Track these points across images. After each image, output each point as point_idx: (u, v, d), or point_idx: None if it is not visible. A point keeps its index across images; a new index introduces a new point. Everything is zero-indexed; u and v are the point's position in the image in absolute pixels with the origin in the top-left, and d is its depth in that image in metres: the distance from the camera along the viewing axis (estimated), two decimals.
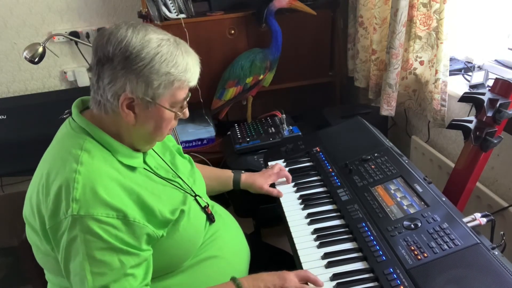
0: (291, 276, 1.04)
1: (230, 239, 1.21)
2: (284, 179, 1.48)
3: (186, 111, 1.04)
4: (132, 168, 1.01)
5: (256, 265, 1.24)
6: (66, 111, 1.05)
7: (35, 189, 0.97)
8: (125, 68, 0.92)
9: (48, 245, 0.95)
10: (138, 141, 1.03)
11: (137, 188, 0.97)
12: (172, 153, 1.22)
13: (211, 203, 1.26)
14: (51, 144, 1.03)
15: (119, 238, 0.91)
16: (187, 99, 1.02)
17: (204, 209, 1.16)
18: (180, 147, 1.30)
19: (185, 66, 0.96)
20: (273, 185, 1.47)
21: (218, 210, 1.25)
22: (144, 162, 1.07)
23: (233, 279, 1.06)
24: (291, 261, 1.17)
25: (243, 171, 1.50)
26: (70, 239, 0.89)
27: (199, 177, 1.27)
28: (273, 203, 1.44)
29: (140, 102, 0.95)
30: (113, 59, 0.91)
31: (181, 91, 0.98)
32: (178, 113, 1.02)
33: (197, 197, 1.15)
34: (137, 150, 1.05)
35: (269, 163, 1.63)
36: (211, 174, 1.45)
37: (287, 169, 1.55)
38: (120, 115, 0.96)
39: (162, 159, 1.16)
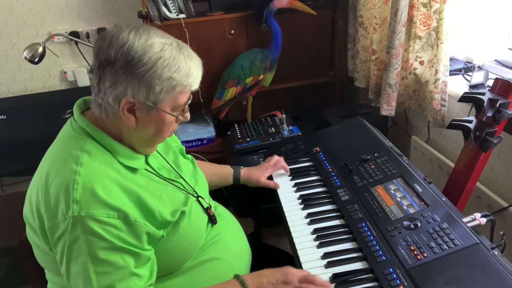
0: (294, 270, 1.05)
1: (231, 241, 1.20)
2: (283, 170, 1.52)
3: (188, 114, 1.04)
4: (133, 170, 1.01)
5: (257, 266, 1.23)
6: (68, 111, 1.04)
7: (35, 188, 0.97)
8: (126, 73, 0.91)
9: (47, 245, 0.95)
10: (139, 143, 1.03)
11: (137, 189, 0.97)
12: (175, 153, 1.22)
13: (214, 204, 1.26)
14: (52, 144, 1.03)
15: (121, 238, 0.91)
16: (189, 102, 1.02)
17: (206, 210, 1.15)
18: (183, 148, 1.30)
19: (187, 70, 0.96)
20: (270, 178, 1.50)
21: (221, 211, 1.25)
22: (146, 162, 1.07)
23: (237, 277, 1.06)
24: (291, 262, 1.17)
25: (241, 167, 1.52)
26: (72, 240, 0.89)
27: (202, 178, 1.27)
28: (273, 203, 1.44)
29: (142, 106, 0.94)
30: (115, 63, 0.91)
31: (182, 95, 0.98)
32: (180, 117, 1.02)
33: (200, 198, 1.15)
34: (138, 152, 1.04)
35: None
36: (211, 171, 1.45)
37: None
38: (121, 118, 0.95)
39: (165, 160, 1.15)
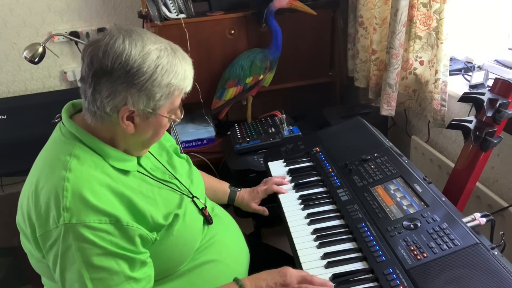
0: (292, 271, 1.04)
1: (229, 242, 1.20)
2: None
3: (180, 114, 1.05)
4: (125, 172, 1.00)
5: (256, 267, 1.23)
6: (57, 116, 1.03)
7: (25, 195, 0.96)
8: (126, 82, 0.91)
9: (39, 253, 0.94)
10: (135, 147, 1.03)
11: (128, 192, 0.96)
12: (169, 153, 1.21)
13: (211, 204, 1.25)
14: (42, 150, 1.02)
15: (114, 243, 0.90)
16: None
17: (202, 211, 1.15)
18: (178, 147, 1.29)
19: (183, 74, 0.97)
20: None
21: (218, 212, 1.24)
22: (139, 164, 1.06)
23: (236, 280, 1.06)
24: (291, 262, 1.17)
25: (239, 189, 1.49)
26: (65, 248, 0.88)
27: (197, 177, 1.26)
28: (273, 203, 1.44)
29: (141, 113, 0.95)
30: (112, 73, 0.90)
31: (178, 97, 1.00)
32: (176, 118, 1.03)
33: (195, 199, 1.14)
34: (131, 155, 1.04)
35: (269, 163, 1.63)
36: (208, 184, 1.41)
37: (286, 169, 1.55)
38: (117, 125, 0.95)
39: (158, 160, 1.15)
